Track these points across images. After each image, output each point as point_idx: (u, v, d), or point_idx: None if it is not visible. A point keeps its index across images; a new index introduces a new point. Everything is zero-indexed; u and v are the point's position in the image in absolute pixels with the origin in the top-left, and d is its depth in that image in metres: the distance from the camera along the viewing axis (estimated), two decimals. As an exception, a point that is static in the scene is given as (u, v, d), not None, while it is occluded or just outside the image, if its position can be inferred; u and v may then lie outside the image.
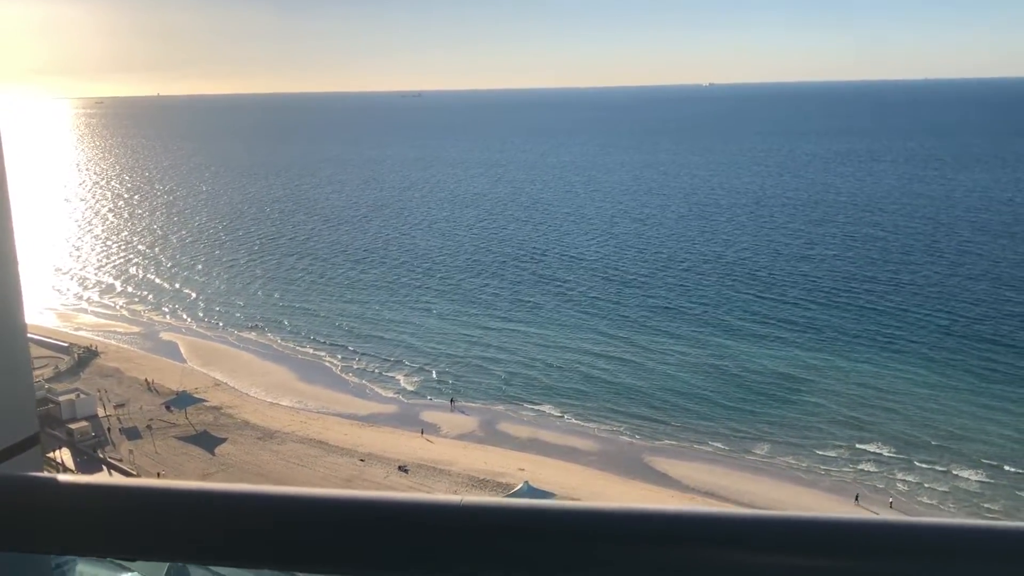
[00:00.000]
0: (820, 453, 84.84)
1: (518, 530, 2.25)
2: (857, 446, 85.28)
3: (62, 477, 2.90)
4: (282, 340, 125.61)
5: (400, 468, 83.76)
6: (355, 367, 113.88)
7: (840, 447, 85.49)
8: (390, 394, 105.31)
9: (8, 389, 3.61)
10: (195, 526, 2.53)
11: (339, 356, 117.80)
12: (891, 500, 75.84)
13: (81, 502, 2.78)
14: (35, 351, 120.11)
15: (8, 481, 3.08)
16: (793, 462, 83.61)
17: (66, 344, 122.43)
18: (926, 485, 78.38)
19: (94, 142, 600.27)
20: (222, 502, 2.56)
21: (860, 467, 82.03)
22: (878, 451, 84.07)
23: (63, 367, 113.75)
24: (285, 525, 2.48)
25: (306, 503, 2.54)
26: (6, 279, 3.59)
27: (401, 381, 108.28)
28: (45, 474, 2.99)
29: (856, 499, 76.17)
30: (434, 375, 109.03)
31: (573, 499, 75.79)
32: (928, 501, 75.72)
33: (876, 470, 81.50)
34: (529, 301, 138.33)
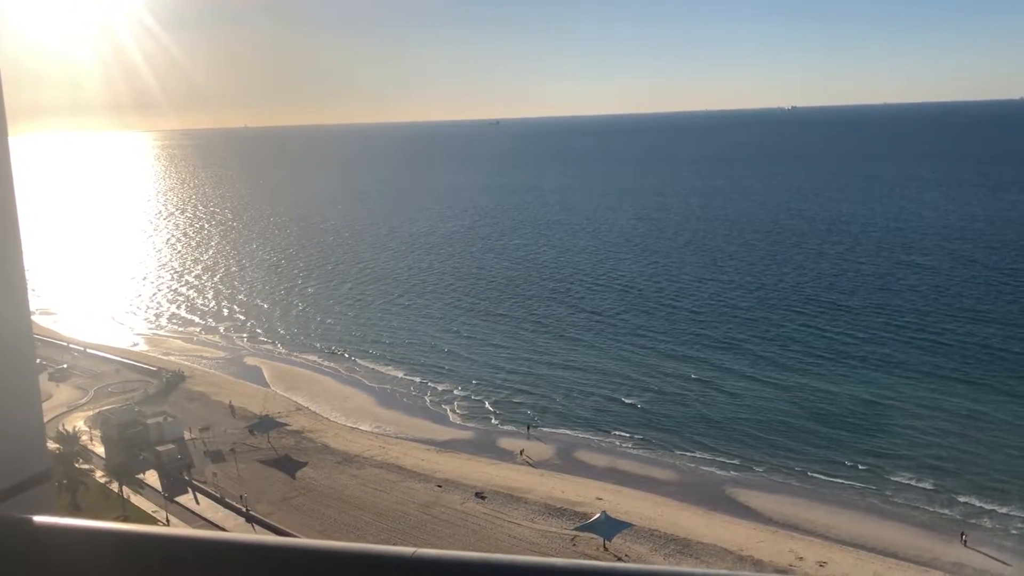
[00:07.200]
0: (907, 488, 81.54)
1: None
2: (941, 483, 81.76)
3: (61, 520, 2.86)
4: (361, 366, 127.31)
5: (477, 495, 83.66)
6: (433, 393, 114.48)
7: (926, 483, 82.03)
8: (467, 421, 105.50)
9: (15, 423, 3.56)
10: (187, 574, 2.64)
11: (417, 382, 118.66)
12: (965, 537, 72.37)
13: (80, 547, 2.77)
14: (126, 375, 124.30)
15: (4, 522, 3.05)
16: (879, 496, 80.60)
17: (155, 368, 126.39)
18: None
19: (183, 171, 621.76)
20: (204, 551, 2.65)
21: (950, 505, 78.55)
22: (966, 489, 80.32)
23: (152, 391, 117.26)
24: (237, 571, 2.58)
25: (259, 551, 2.62)
26: (17, 309, 3.61)
27: (478, 408, 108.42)
28: (44, 517, 2.95)
29: (963, 539, 72.29)
30: (512, 402, 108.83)
31: (652, 530, 74.59)
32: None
33: (966, 509, 77.87)
34: (605, 331, 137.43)
